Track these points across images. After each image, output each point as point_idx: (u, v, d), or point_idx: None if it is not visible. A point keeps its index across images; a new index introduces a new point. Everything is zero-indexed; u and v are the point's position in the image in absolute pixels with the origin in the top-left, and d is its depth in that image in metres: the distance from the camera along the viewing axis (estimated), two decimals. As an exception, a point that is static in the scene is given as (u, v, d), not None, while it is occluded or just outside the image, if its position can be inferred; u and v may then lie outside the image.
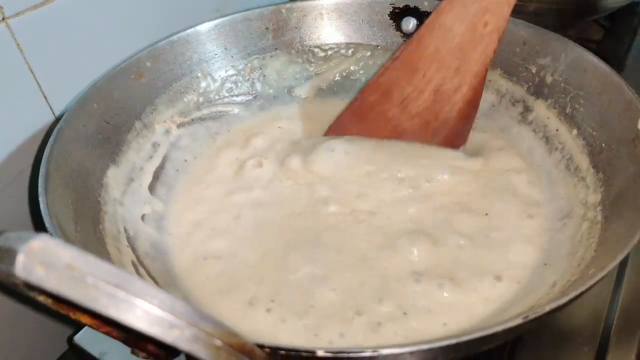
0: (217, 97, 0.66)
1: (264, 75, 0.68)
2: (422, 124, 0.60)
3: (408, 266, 0.50)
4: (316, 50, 0.69)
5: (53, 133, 0.49)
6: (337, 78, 0.70)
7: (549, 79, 0.58)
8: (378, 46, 0.68)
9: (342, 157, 0.58)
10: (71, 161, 0.49)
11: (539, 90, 0.59)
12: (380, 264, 0.50)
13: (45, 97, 0.54)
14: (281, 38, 0.67)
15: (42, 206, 0.42)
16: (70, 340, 0.49)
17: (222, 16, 0.64)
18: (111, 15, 0.58)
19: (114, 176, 0.53)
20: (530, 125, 0.60)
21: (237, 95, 0.67)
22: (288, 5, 0.66)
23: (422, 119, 0.60)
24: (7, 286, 0.23)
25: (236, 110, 0.67)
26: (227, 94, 0.66)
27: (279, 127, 0.66)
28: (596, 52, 0.54)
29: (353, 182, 0.57)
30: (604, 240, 0.45)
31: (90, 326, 0.27)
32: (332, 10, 0.68)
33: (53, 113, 0.56)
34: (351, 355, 0.32)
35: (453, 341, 0.33)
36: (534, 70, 0.60)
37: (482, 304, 0.47)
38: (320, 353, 0.32)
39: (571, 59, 0.56)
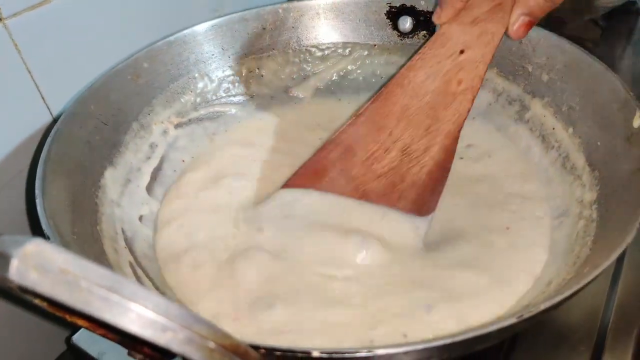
0: (214, 98, 0.66)
1: (262, 76, 0.68)
2: (388, 185, 0.55)
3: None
4: (313, 49, 0.69)
5: (50, 134, 0.49)
6: (334, 77, 0.70)
7: (545, 78, 0.58)
8: (375, 45, 0.69)
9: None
10: (68, 162, 0.49)
11: (535, 88, 0.59)
12: None
13: (42, 98, 0.54)
14: (278, 38, 0.67)
15: (39, 208, 0.42)
16: (68, 340, 0.50)
17: (219, 16, 0.64)
18: (108, 16, 0.58)
19: (111, 177, 0.53)
20: (527, 123, 0.60)
21: (234, 96, 0.67)
22: (285, 5, 0.67)
23: (388, 180, 0.55)
24: (3, 289, 0.23)
25: (233, 111, 0.67)
26: (224, 94, 0.66)
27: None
28: (592, 51, 0.54)
29: None
30: (599, 238, 0.45)
31: (86, 328, 0.27)
32: (329, 10, 0.68)
33: (51, 114, 0.56)
34: (346, 355, 0.32)
35: (448, 341, 0.33)
36: (530, 69, 0.60)
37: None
38: (315, 354, 0.32)
39: (567, 58, 0.56)
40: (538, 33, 0.58)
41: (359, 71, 0.70)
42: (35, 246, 0.22)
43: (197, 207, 0.57)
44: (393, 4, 0.66)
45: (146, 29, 0.62)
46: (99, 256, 0.45)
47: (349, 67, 0.70)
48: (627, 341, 0.50)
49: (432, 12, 0.60)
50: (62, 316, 0.26)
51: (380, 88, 0.60)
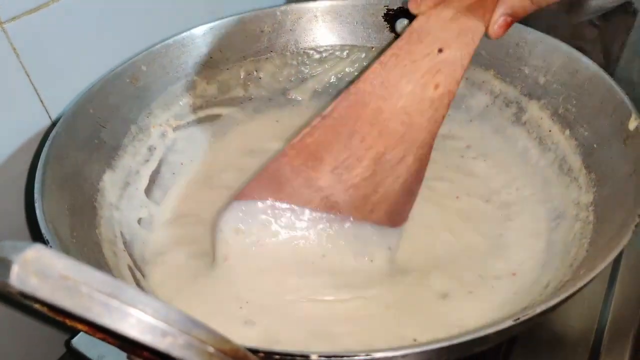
0: (212, 100, 0.66)
1: (260, 78, 0.68)
2: (360, 197, 0.50)
3: None
4: (311, 52, 0.69)
5: (49, 138, 0.49)
6: (332, 80, 0.70)
7: (541, 80, 0.58)
8: (373, 48, 0.69)
9: None
10: (67, 166, 0.49)
11: (532, 91, 0.60)
12: None
13: (41, 101, 0.55)
14: (276, 40, 0.68)
15: (38, 212, 0.42)
16: (67, 343, 0.50)
17: (217, 19, 0.64)
18: (107, 20, 0.58)
19: (110, 180, 0.53)
20: (524, 126, 0.61)
21: (232, 98, 0.67)
22: (283, 7, 0.67)
23: (360, 192, 0.50)
24: (3, 294, 0.24)
25: (232, 113, 0.67)
26: (222, 97, 0.67)
27: None
28: (589, 52, 0.55)
29: None
30: (595, 240, 0.45)
31: (86, 332, 0.28)
32: (327, 12, 0.68)
33: (49, 117, 0.56)
34: (344, 359, 0.32)
35: (445, 344, 0.33)
36: (526, 71, 0.60)
37: None
38: (314, 357, 0.32)
39: (563, 60, 0.56)
40: (535, 35, 0.59)
41: (356, 74, 0.70)
42: (35, 252, 0.22)
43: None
44: (390, 7, 0.66)
45: (144, 32, 0.62)
46: (98, 259, 0.45)
47: (347, 70, 0.70)
48: (625, 343, 0.50)
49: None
50: (62, 321, 0.26)
51: (348, 85, 0.56)
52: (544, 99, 0.58)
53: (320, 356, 0.32)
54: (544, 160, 0.57)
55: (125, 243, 0.51)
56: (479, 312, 0.46)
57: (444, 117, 0.50)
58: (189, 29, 0.63)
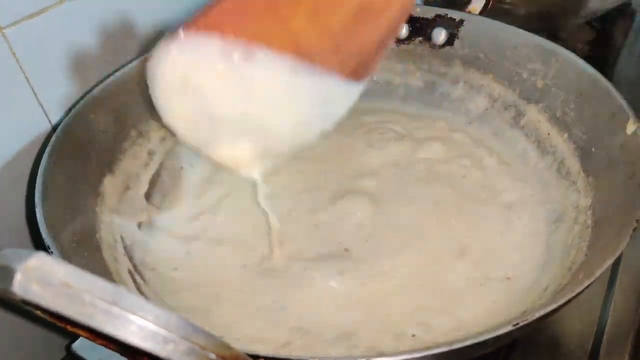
0: (212, 104, 0.66)
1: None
2: (332, 47, 0.44)
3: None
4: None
5: (50, 143, 0.49)
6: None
7: (539, 84, 0.59)
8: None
9: None
10: (67, 170, 0.49)
11: (530, 94, 0.60)
12: None
13: (41, 106, 0.55)
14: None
15: (38, 217, 0.42)
16: (68, 348, 0.50)
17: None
18: (107, 24, 0.58)
19: (110, 185, 0.53)
20: (523, 129, 0.61)
21: (231, 101, 0.67)
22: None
23: (333, 42, 0.43)
24: (6, 301, 0.24)
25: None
26: (222, 100, 0.66)
27: None
28: (588, 54, 0.55)
29: None
30: (594, 244, 0.45)
31: (87, 338, 0.28)
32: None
33: (50, 122, 0.56)
34: (344, 363, 0.32)
35: (445, 349, 0.33)
36: (525, 75, 0.60)
37: None
38: (313, 361, 0.32)
39: (561, 64, 0.57)
40: (533, 39, 0.59)
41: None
42: (37, 260, 0.22)
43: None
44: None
45: (144, 35, 0.62)
46: (99, 264, 0.45)
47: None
48: (624, 346, 0.50)
49: (427, 19, 0.60)
50: (63, 327, 0.27)
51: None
52: (542, 103, 0.59)
53: (319, 361, 0.32)
54: (542, 162, 0.58)
55: (125, 247, 0.51)
56: (479, 312, 0.47)
57: None
58: (189, 33, 0.62)
